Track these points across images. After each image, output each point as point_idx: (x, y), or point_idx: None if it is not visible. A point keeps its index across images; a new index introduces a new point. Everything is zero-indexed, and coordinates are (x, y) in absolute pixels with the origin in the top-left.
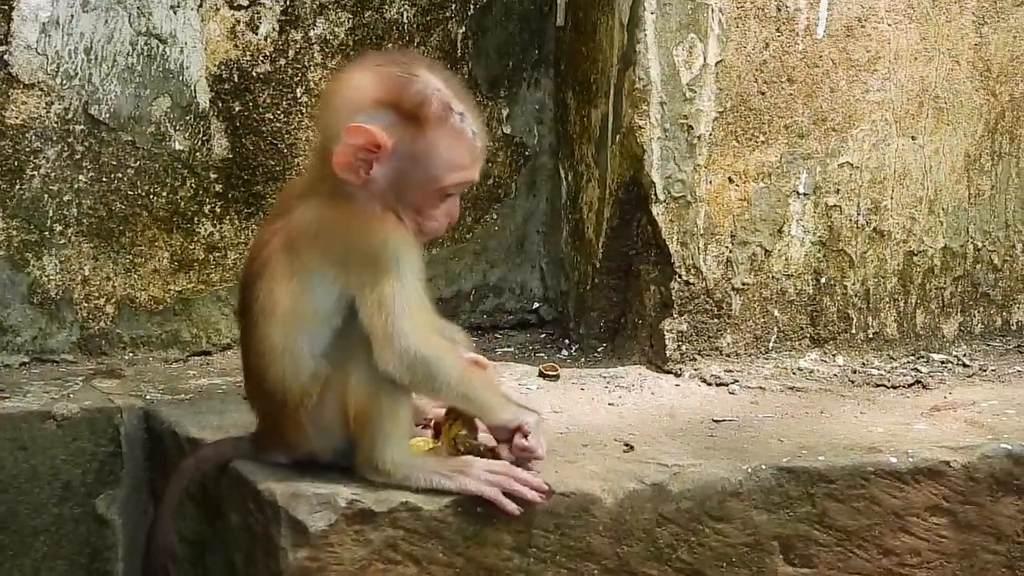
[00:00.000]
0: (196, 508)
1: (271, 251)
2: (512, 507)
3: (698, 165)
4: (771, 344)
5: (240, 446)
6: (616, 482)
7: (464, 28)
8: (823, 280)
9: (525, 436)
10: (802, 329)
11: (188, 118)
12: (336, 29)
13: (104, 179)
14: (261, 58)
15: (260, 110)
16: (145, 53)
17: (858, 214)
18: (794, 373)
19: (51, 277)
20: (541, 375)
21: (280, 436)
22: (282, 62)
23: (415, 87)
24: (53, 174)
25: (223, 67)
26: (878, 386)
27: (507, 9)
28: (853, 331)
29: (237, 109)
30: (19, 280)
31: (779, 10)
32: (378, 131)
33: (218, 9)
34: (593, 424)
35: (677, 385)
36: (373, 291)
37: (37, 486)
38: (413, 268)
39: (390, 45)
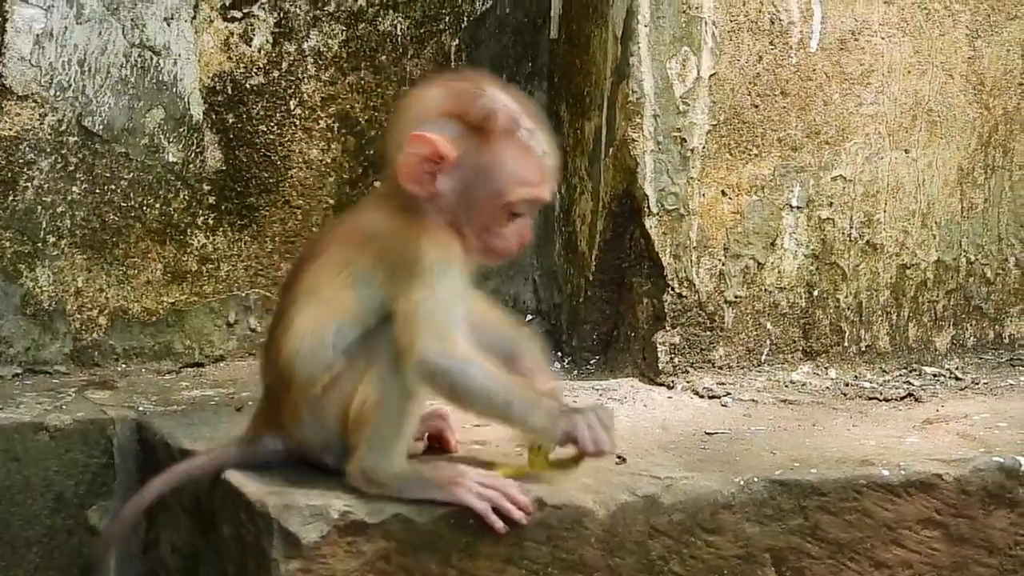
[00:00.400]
0: (189, 520)
1: (332, 240)
2: (499, 524)
3: (691, 178)
4: (764, 357)
5: (232, 453)
6: (608, 494)
7: (458, 40)
8: (816, 293)
9: (576, 442)
10: (795, 342)
11: (181, 130)
12: (330, 41)
13: (97, 191)
14: (255, 70)
15: (254, 122)
16: (139, 65)
17: (851, 227)
18: (786, 386)
19: (44, 288)
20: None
21: (277, 416)
22: (276, 74)
23: (482, 100)
24: (46, 185)
25: (217, 79)
26: (870, 399)
27: (501, 22)
28: (846, 344)
29: (231, 121)
30: (12, 291)
31: (772, 23)
32: (441, 140)
33: (212, 21)
34: None
35: (670, 397)
36: (404, 300)
37: (30, 497)
38: (451, 280)
39: (383, 58)
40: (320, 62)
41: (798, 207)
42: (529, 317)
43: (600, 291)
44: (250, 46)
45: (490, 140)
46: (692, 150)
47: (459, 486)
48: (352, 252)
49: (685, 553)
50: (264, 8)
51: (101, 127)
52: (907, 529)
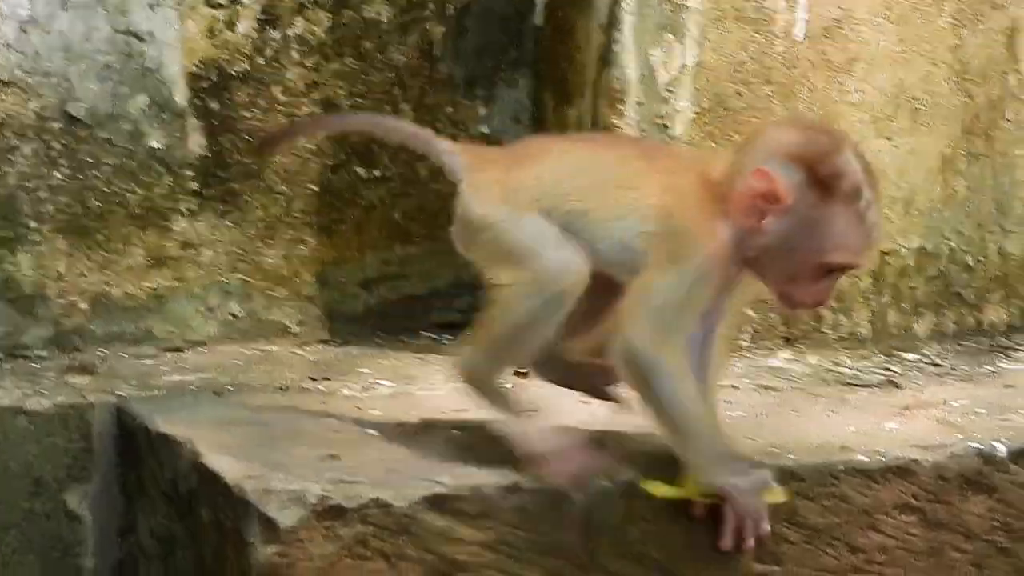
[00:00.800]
0: (166, 504)
1: (647, 161)
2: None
3: None
4: (744, 343)
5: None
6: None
7: (443, 28)
8: None
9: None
10: (775, 328)
11: (165, 116)
12: (314, 28)
13: (80, 176)
14: (239, 57)
15: (238, 108)
16: (123, 51)
17: None
18: (766, 372)
19: (25, 274)
20: (513, 373)
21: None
22: (260, 61)
23: (837, 157)
24: (29, 171)
25: (201, 65)
26: (850, 385)
27: (486, 10)
28: (825, 330)
29: (214, 107)
30: None
31: (757, 11)
32: (783, 183)
33: (196, 8)
34: (566, 422)
35: None
36: (652, 272)
37: (9, 481)
38: (700, 289)
39: (368, 45)
40: (305, 49)
41: None
42: None
43: None
44: (234, 32)
45: (830, 199)
46: (675, 137)
47: (531, 438)
48: (645, 185)
49: (664, 538)
50: None
51: (84, 113)
52: (884, 514)
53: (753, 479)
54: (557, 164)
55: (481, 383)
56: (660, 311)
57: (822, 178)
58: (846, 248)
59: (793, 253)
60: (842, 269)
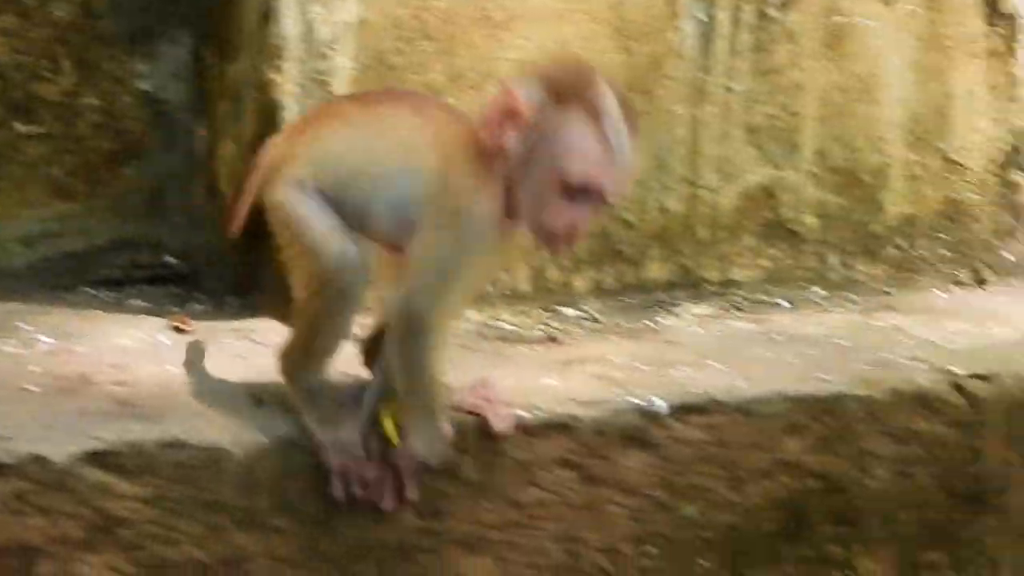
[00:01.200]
0: None
1: (413, 112)
2: (340, 493)
3: None
4: None
5: None
6: (246, 435)
7: None
8: None
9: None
10: None
11: None
12: None
13: None
14: None
15: None
16: None
17: None
18: None
19: None
20: (174, 329)
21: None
22: None
23: (581, 81)
24: None
25: None
26: (509, 341)
27: None
28: (486, 286)
29: None
30: None
31: None
32: (522, 98)
33: None
34: (225, 378)
35: None
36: (429, 236)
37: None
38: (475, 249)
39: (29, 1)
40: None
41: None
42: (171, 259)
43: (241, 234)
44: None
45: (567, 114)
46: (336, 94)
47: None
48: (416, 145)
49: (322, 493)
50: None
51: None
52: (543, 470)
53: (434, 457)
54: (334, 129)
55: (298, 378)
56: (437, 275)
57: (563, 95)
58: (584, 161)
59: (536, 172)
60: (587, 192)
